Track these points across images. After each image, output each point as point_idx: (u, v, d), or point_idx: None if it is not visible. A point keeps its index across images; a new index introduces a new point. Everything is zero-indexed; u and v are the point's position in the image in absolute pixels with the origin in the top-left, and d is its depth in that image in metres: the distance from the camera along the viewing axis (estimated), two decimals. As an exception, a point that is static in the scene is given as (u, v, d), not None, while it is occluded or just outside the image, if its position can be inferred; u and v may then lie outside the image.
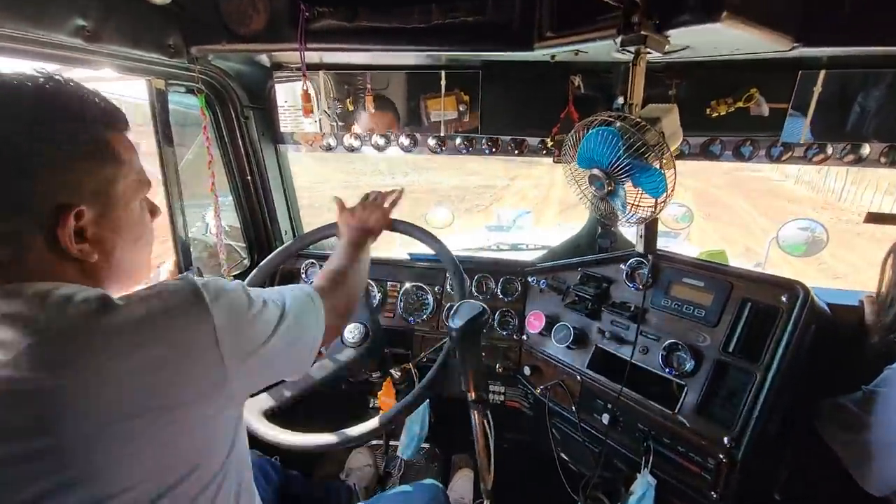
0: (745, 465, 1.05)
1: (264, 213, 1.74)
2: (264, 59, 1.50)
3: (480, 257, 1.76)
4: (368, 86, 1.55)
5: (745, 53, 1.11)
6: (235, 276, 1.67)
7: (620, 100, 1.45)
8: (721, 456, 1.06)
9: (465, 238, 3.07)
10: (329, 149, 1.68)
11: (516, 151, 1.57)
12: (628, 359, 1.24)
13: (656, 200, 0.93)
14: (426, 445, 1.99)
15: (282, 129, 1.64)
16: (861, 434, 0.99)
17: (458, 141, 1.58)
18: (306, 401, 1.17)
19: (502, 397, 1.67)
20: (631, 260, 1.32)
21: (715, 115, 1.35)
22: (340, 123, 1.59)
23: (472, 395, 1.05)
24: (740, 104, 1.32)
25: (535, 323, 1.49)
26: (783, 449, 1.26)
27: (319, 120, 1.57)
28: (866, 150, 1.32)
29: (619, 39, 0.87)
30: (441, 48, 1.15)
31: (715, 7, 0.79)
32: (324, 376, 1.24)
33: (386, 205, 1.22)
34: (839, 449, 1.05)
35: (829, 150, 1.35)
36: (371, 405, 1.81)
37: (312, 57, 1.46)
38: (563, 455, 1.47)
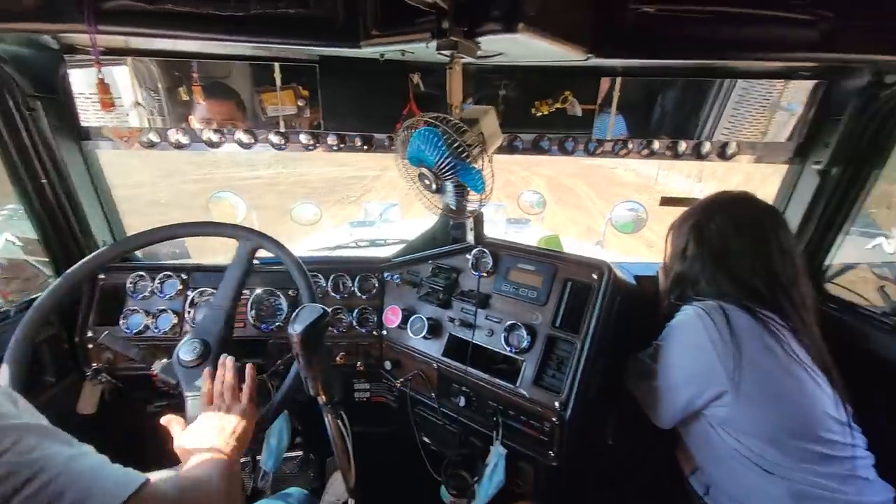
0: (574, 423, 1.20)
1: (70, 220, 1.47)
2: (51, 40, 1.26)
3: (337, 256, 1.73)
4: (195, 74, 1.40)
5: (554, 61, 1.25)
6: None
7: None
8: (554, 419, 1.21)
9: (329, 235, 2.98)
10: (151, 146, 1.48)
11: (365, 147, 1.56)
12: (471, 341, 1.33)
13: (480, 196, 1.00)
14: (299, 453, 1.92)
15: (83, 124, 1.40)
16: (650, 381, 1.19)
17: (302, 137, 1.51)
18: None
19: (368, 394, 1.68)
20: (475, 250, 1.41)
21: (539, 114, 1.50)
22: (160, 116, 1.41)
23: (322, 399, 1.03)
24: (558, 105, 1.48)
25: (391, 318, 1.51)
26: (608, 402, 1.47)
27: (131, 113, 1.37)
28: (656, 145, 1.58)
29: (433, 43, 0.91)
30: (260, 39, 1.07)
31: (513, 19, 0.86)
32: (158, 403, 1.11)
33: (245, 399, 0.99)
34: (637, 395, 1.25)
35: (630, 145, 1.59)
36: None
37: (117, 40, 1.27)
38: (426, 440, 1.53)
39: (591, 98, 1.48)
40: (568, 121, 1.52)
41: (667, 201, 1.79)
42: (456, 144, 0.93)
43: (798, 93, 1.47)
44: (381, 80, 1.44)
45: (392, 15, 1.02)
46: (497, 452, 1.32)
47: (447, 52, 0.93)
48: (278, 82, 1.40)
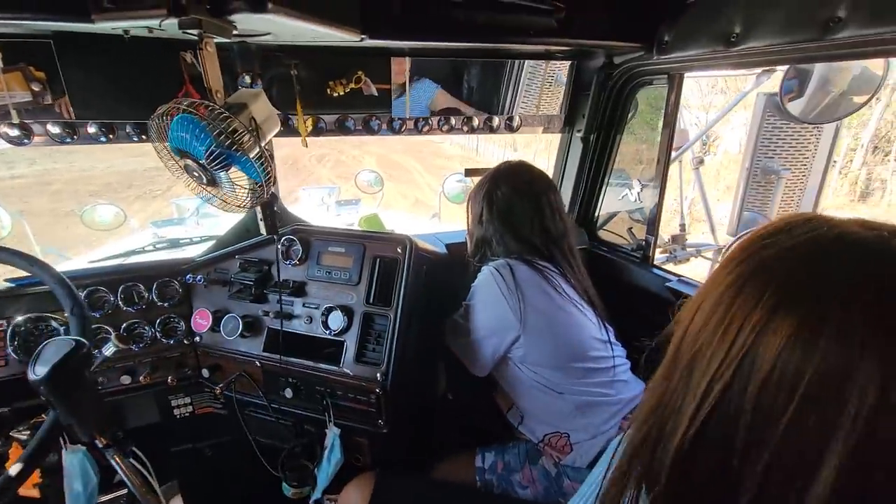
0: (396, 389, 1.28)
1: None
2: None
3: (129, 264, 1.51)
4: None
5: (332, 41, 1.24)
6: None
7: (247, 78, 1.43)
8: (378, 390, 1.26)
9: (131, 240, 2.55)
10: None
11: (142, 137, 1.37)
12: (281, 330, 1.32)
13: (260, 185, 0.96)
14: (122, 492, 1.68)
15: None
16: (464, 337, 1.33)
17: (52, 128, 1.26)
18: None
19: (191, 408, 1.54)
20: (283, 239, 1.37)
21: (335, 94, 1.49)
22: None
23: (101, 442, 0.91)
24: (353, 85, 1.49)
25: (201, 322, 1.40)
26: (433, 364, 1.59)
27: None
28: (453, 121, 1.71)
29: (173, 21, 0.82)
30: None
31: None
32: None
33: None
34: (456, 352, 1.38)
35: (432, 122, 1.68)
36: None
37: None
38: (262, 440, 1.48)
39: (385, 78, 1.52)
40: (367, 100, 1.54)
41: (470, 172, 1.96)
42: (219, 133, 0.87)
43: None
44: (146, 60, 1.27)
45: (125, -15, 0.90)
46: (332, 434, 1.34)
47: (193, 32, 0.86)
48: (-2, 62, 1.13)
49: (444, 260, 1.53)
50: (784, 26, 1.11)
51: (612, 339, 1.38)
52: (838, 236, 0.38)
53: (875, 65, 1.72)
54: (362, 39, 1.15)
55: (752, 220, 2.11)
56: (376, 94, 1.54)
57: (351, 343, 1.30)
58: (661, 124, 1.61)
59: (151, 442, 1.60)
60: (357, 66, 1.46)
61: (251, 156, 0.95)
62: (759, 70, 1.77)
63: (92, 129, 1.29)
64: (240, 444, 1.54)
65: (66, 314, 1.02)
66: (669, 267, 2.11)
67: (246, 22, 0.92)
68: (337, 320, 1.30)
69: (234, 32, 0.93)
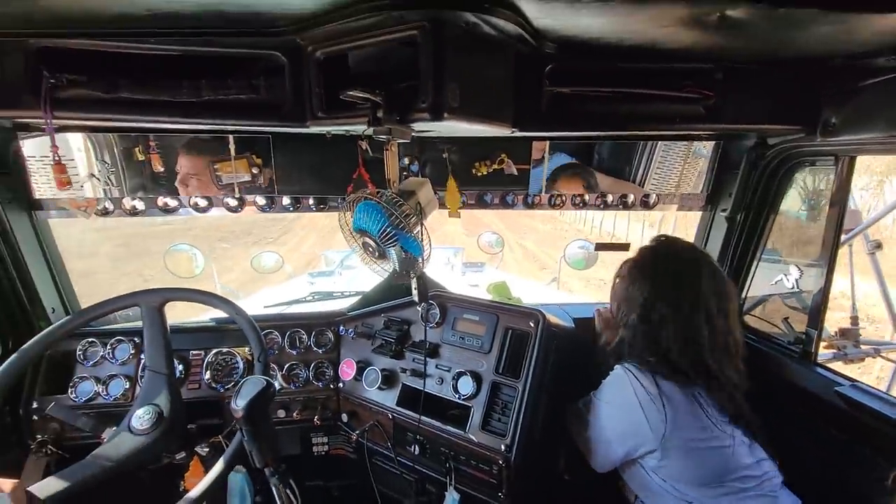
0: (519, 463, 1.28)
1: (17, 290, 1.47)
2: (4, 121, 1.31)
3: (292, 312, 1.77)
4: (152, 143, 1.47)
5: (487, 133, 1.40)
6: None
7: (406, 160, 1.66)
8: (501, 461, 1.28)
9: (289, 287, 2.99)
10: (105, 213, 1.52)
11: (321, 207, 1.65)
12: (422, 390, 1.40)
13: (418, 259, 1.10)
14: None
15: (37, 196, 1.43)
16: (586, 431, 1.29)
17: (259, 199, 1.59)
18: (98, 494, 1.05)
19: (326, 447, 1.70)
20: (424, 303, 1.50)
21: (479, 173, 1.65)
22: (116, 186, 1.46)
23: (269, 469, 1.07)
24: (495, 166, 1.63)
25: (347, 370, 1.57)
26: (557, 439, 1.55)
27: (86, 185, 1.42)
28: (587, 197, 1.75)
29: (370, 129, 1.03)
30: (213, 122, 1.17)
31: (439, 111, 0.99)
32: (98, 473, 1.11)
33: None
34: (578, 442, 1.34)
35: (565, 198, 1.75)
36: (181, 489, 1.64)
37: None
38: (384, 490, 1.56)
39: (525, 159, 1.64)
40: (506, 178, 1.67)
41: (601, 247, 1.96)
42: (393, 216, 1.04)
43: (708, 151, 1.70)
44: (332, 147, 1.56)
45: (335, 100, 1.14)
46: (451, 498, 1.37)
47: (383, 137, 1.05)
48: (233, 152, 1.49)
49: (572, 335, 1.53)
50: None
51: (762, 453, 1.21)
52: None
53: None
54: (513, 132, 1.28)
55: (955, 321, 1.73)
56: (516, 174, 1.66)
57: (478, 410, 1.35)
58: (826, 204, 1.47)
59: (292, 472, 1.79)
60: (501, 150, 1.61)
61: (414, 234, 1.10)
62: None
63: (286, 202, 1.60)
64: (363, 490, 1.64)
65: (254, 356, 1.25)
66: (837, 367, 1.81)
67: (422, 126, 1.11)
68: (467, 385, 1.37)
69: (413, 134, 1.12)
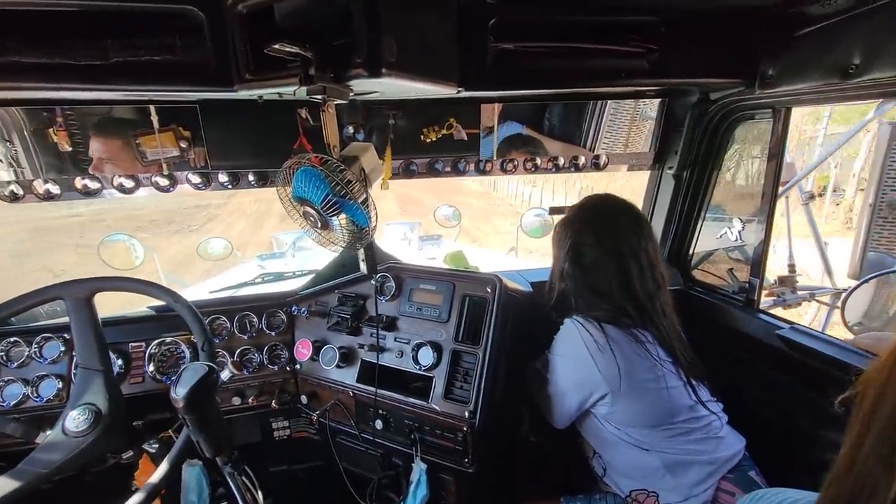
0: (483, 429, 1.28)
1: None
2: None
3: (241, 295, 1.68)
4: (59, 119, 1.31)
5: (432, 95, 1.34)
6: None
7: (350, 129, 1.58)
8: (465, 428, 1.27)
9: (233, 274, 2.85)
10: (14, 199, 1.36)
11: (260, 183, 1.55)
12: (377, 363, 1.38)
13: (365, 229, 1.05)
14: None
15: (-76, 182, 1.25)
16: (544, 388, 1.30)
17: (192, 177, 1.47)
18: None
19: (288, 431, 1.65)
20: (377, 276, 1.46)
21: (428, 140, 1.59)
22: (20, 168, 1.31)
23: (221, 459, 1.02)
24: (444, 131, 1.58)
25: (302, 351, 1.51)
26: (520, 403, 1.57)
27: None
28: (538, 160, 1.74)
29: (302, 88, 0.95)
30: (126, 88, 1.05)
31: (376, 65, 0.93)
32: (34, 480, 1.02)
33: None
34: (537, 401, 1.36)
35: (516, 162, 1.73)
36: (134, 489, 1.56)
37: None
38: (350, 468, 1.54)
39: (474, 124, 1.59)
40: (456, 144, 1.62)
41: (554, 210, 1.96)
42: (335, 184, 0.97)
43: (654, 112, 1.71)
44: (269, 116, 1.45)
45: (263, 60, 1.05)
46: (419, 469, 1.36)
47: (318, 97, 0.97)
48: (156, 124, 1.35)
49: (530, 299, 1.53)
50: (915, 55, 1.02)
51: (708, 395, 1.27)
52: None
53: None
54: (459, 92, 1.23)
55: (878, 262, 1.87)
56: (465, 139, 1.61)
57: (439, 379, 1.33)
58: (764, 158, 1.52)
59: (252, 461, 1.73)
60: (449, 114, 1.55)
61: (359, 202, 1.04)
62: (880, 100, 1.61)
63: (223, 178, 1.49)
64: (330, 470, 1.61)
65: (198, 344, 1.17)
66: (777, 312, 1.92)
67: (361, 85, 1.03)
68: (427, 356, 1.35)
69: (351, 95, 1.04)
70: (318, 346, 1.50)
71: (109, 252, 2.57)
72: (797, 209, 2.47)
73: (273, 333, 1.55)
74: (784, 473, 1.16)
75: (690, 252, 1.86)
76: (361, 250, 1.12)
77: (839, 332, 2.08)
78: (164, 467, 1.01)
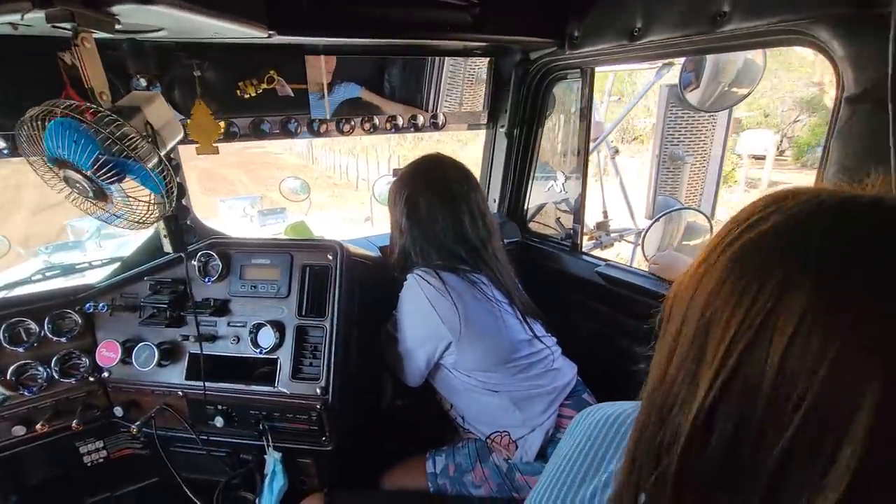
0: (338, 403, 1.22)
1: None
2: None
3: (10, 297, 1.30)
4: None
5: (239, 38, 1.15)
6: None
7: (142, 80, 1.30)
8: (318, 405, 1.20)
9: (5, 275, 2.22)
10: None
11: (16, 152, 1.19)
12: (202, 353, 1.22)
13: (162, 197, 0.87)
14: None
15: None
16: (394, 348, 1.29)
17: None
18: None
19: (104, 452, 1.37)
20: (199, 255, 1.26)
21: (247, 96, 1.39)
22: None
23: None
24: (265, 85, 1.40)
25: (108, 355, 1.24)
26: (377, 371, 1.54)
27: None
28: (376, 120, 1.66)
29: (38, 15, 0.71)
30: None
31: (145, -13, 0.74)
32: None
33: None
34: (390, 363, 1.34)
35: (354, 122, 1.63)
36: None
37: None
38: (193, 477, 1.35)
39: (300, 77, 1.44)
40: (282, 102, 1.45)
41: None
42: (108, 141, 0.77)
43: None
44: (23, 67, 1.11)
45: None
46: (273, 459, 1.25)
47: (66, 26, 0.75)
48: None
49: (379, 263, 1.48)
50: (679, 20, 1.19)
51: (543, 331, 1.40)
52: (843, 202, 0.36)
53: (759, 58, 1.92)
54: (270, 36, 1.08)
55: (664, 204, 2.29)
56: (292, 95, 1.45)
57: (285, 360, 1.22)
58: (576, 116, 1.68)
59: (61, 496, 1.41)
60: (269, 65, 1.37)
61: (149, 165, 0.85)
62: (654, 63, 1.91)
63: (-52, 145, 1.10)
64: (168, 486, 1.39)
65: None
66: (597, 252, 2.21)
67: (131, 15, 0.82)
68: (267, 337, 1.22)
69: (118, 27, 0.83)
70: (129, 347, 1.24)
71: None
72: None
73: (63, 340, 1.24)
74: (611, 391, 1.35)
75: (525, 206, 2.01)
76: (162, 225, 0.92)
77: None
78: None
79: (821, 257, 0.34)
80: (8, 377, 1.18)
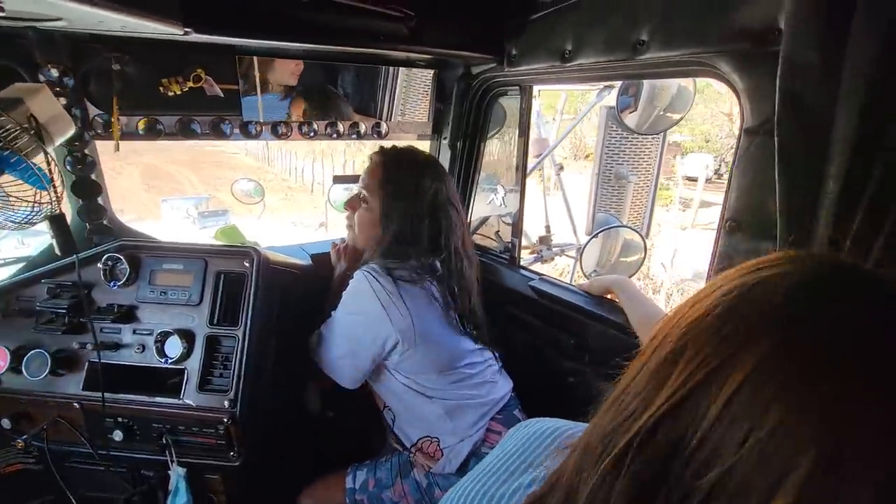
0: (248, 416, 1.17)
1: None
2: None
3: None
4: None
5: (156, 34, 1.11)
6: None
7: (54, 72, 1.23)
8: (226, 419, 1.14)
9: None
10: None
11: None
12: (99, 361, 1.14)
13: (44, 193, 0.81)
14: None
15: None
16: (331, 351, 1.25)
17: None
18: None
19: (-10, 469, 1.26)
20: (106, 257, 1.18)
21: (171, 93, 1.33)
22: None
23: None
24: (191, 84, 1.34)
25: (-5, 363, 1.15)
26: (299, 382, 1.50)
27: None
28: (315, 126, 1.63)
29: None
30: None
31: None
32: None
33: None
34: (323, 366, 1.29)
35: (292, 126, 1.59)
36: None
37: None
38: (88, 494, 1.26)
39: (231, 78, 1.40)
40: (212, 102, 1.40)
41: (339, 179, 1.91)
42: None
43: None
44: None
45: None
46: (176, 474, 1.18)
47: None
48: None
49: (307, 272, 1.44)
50: (605, 46, 1.23)
51: (484, 342, 1.40)
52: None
53: (691, 85, 2.01)
54: (186, 33, 1.04)
55: (604, 221, 2.36)
56: (222, 96, 1.41)
57: (193, 371, 1.17)
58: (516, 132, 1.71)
59: None
60: (196, 64, 1.33)
61: (33, 161, 0.79)
62: (594, 84, 1.98)
63: None
64: (63, 504, 1.30)
65: None
66: (537, 266, 2.24)
67: (20, 2, 0.77)
68: (174, 346, 1.16)
69: (2, 14, 0.77)
70: (20, 354, 1.16)
71: None
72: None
73: (-58, 347, 1.14)
74: (543, 405, 1.36)
75: (469, 218, 2.01)
76: (47, 225, 0.86)
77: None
78: None
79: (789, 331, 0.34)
80: None
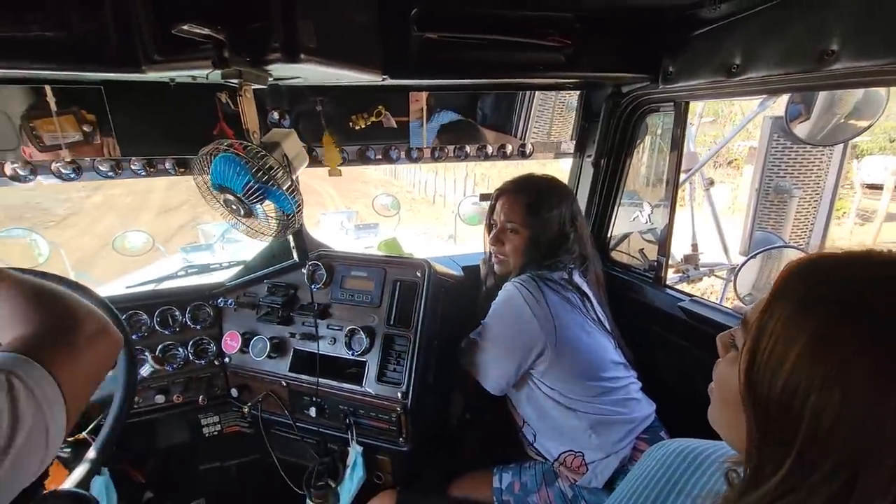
0: (416, 408, 1.33)
1: None
2: None
3: (162, 289, 1.60)
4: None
5: (357, 82, 1.34)
6: None
7: (276, 115, 1.54)
8: (398, 409, 1.31)
9: (159, 266, 2.68)
10: None
11: (181, 170, 1.47)
12: (317, 352, 1.37)
13: (291, 216, 1.04)
14: None
15: None
16: (481, 356, 1.37)
17: (101, 166, 1.37)
18: None
19: (219, 427, 1.61)
20: (308, 264, 1.45)
21: (357, 127, 1.58)
22: None
23: None
24: (373, 119, 1.58)
25: (231, 343, 1.47)
26: (450, 385, 1.64)
27: None
28: (468, 149, 1.79)
29: (216, 72, 0.92)
30: (9, 66, 0.96)
31: (293, 51, 0.92)
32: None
33: None
34: (472, 371, 1.41)
35: (448, 150, 1.77)
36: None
37: None
38: (285, 458, 1.53)
39: (403, 112, 1.61)
40: (386, 132, 1.63)
41: (484, 197, 2.04)
42: (257, 170, 0.96)
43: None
44: (186, 100, 1.38)
45: (173, 39, 1.00)
46: (354, 451, 1.39)
47: (234, 81, 0.95)
48: (53, 107, 1.24)
49: (461, 282, 1.59)
50: (782, 58, 1.16)
51: (627, 360, 1.41)
52: None
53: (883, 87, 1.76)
54: (384, 80, 1.24)
55: (763, 240, 2.13)
56: (395, 127, 1.63)
57: (373, 363, 1.36)
58: (668, 148, 1.67)
59: (182, 459, 1.67)
60: (378, 101, 1.56)
61: (284, 189, 1.03)
62: (761, 97, 1.83)
63: (136, 166, 1.40)
64: (265, 464, 1.59)
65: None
66: (683, 287, 2.13)
67: (280, 70, 1.02)
68: (360, 341, 1.37)
69: (270, 80, 1.03)
70: (247, 338, 1.47)
71: (5, 249, 2.32)
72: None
73: (198, 327, 1.50)
74: (686, 430, 1.31)
75: (609, 235, 2.00)
76: (291, 238, 1.10)
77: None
78: (80, 472, 0.96)
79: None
80: (157, 354, 1.44)
